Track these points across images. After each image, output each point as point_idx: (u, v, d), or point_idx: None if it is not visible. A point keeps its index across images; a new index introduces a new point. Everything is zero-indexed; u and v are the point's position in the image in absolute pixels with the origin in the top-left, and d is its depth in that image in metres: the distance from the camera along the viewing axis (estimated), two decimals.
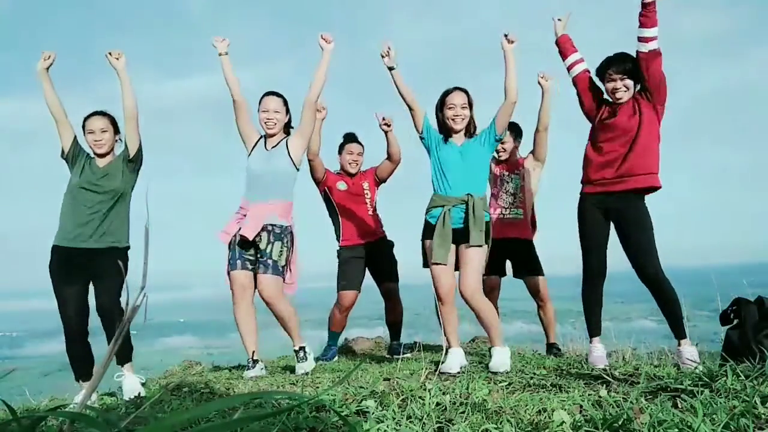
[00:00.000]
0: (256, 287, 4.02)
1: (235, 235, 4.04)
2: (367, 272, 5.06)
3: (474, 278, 3.61)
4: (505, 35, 3.75)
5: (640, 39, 3.43)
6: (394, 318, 5.19)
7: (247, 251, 4.02)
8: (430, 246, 3.68)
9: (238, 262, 4.00)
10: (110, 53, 3.85)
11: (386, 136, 4.82)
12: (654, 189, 3.51)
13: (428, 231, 3.75)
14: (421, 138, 3.90)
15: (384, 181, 5.14)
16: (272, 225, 3.98)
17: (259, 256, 3.98)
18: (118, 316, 3.55)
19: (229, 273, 4.05)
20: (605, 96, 3.68)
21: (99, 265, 3.62)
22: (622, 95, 3.54)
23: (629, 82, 3.54)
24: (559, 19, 3.89)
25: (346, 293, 4.91)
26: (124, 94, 3.81)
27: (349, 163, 5.04)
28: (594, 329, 3.62)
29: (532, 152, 4.78)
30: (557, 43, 3.86)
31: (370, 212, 5.05)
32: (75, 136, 3.83)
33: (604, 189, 3.55)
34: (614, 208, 3.52)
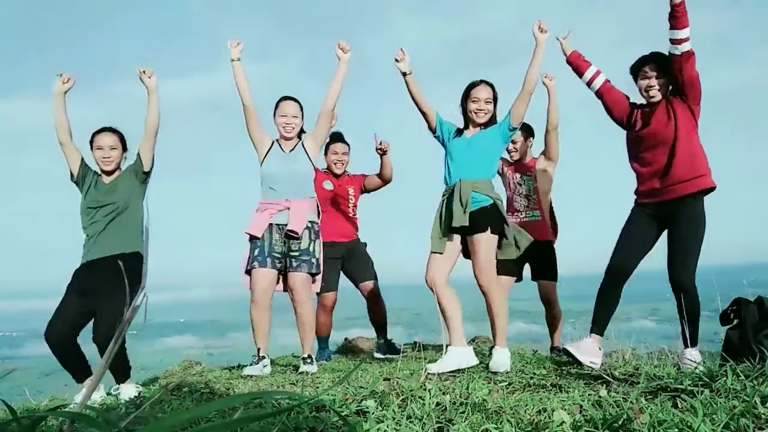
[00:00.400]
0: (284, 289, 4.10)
1: (264, 231, 4.02)
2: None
3: (483, 261, 3.58)
4: (539, 23, 3.71)
5: (673, 41, 3.35)
6: (377, 316, 5.19)
7: (276, 249, 4.01)
8: (432, 235, 3.75)
9: (268, 260, 3.99)
10: (143, 71, 3.88)
11: (381, 158, 4.87)
12: (709, 190, 3.43)
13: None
14: (435, 136, 3.93)
15: (369, 192, 5.18)
16: (312, 222, 4.08)
17: (298, 254, 4.01)
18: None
19: (249, 270, 4.02)
20: (632, 100, 3.65)
21: (101, 279, 3.60)
22: (655, 93, 3.50)
23: (663, 81, 3.49)
24: (564, 38, 3.82)
25: (327, 295, 4.95)
26: (150, 111, 3.84)
27: (335, 163, 5.08)
28: (595, 325, 3.51)
29: (544, 152, 4.76)
30: (569, 62, 3.80)
31: (351, 214, 5.10)
32: (82, 158, 3.84)
33: (655, 200, 3.49)
34: (668, 214, 3.45)
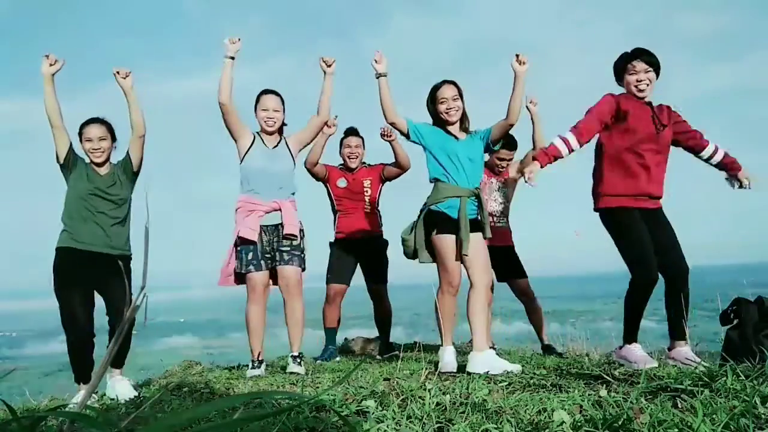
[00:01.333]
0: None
1: (260, 234, 4.00)
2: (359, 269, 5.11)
3: (488, 258, 3.72)
4: (517, 56, 3.64)
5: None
6: (382, 316, 5.23)
7: (267, 249, 4.03)
8: (453, 239, 3.59)
9: (262, 262, 4.02)
10: (118, 72, 3.80)
11: (391, 146, 4.84)
12: None
13: (444, 222, 3.62)
14: (412, 141, 3.84)
15: (390, 180, 5.16)
16: (299, 221, 4.12)
17: (289, 248, 4.04)
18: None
19: (245, 273, 3.99)
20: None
21: (109, 272, 3.61)
22: (645, 88, 3.35)
23: (653, 76, 3.36)
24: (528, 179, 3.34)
25: (333, 286, 4.98)
26: (131, 114, 3.80)
27: (348, 157, 5.08)
28: (634, 335, 3.42)
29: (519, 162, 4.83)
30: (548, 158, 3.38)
31: (368, 210, 5.07)
32: (71, 143, 3.76)
33: (641, 205, 3.38)
34: (646, 220, 3.38)
